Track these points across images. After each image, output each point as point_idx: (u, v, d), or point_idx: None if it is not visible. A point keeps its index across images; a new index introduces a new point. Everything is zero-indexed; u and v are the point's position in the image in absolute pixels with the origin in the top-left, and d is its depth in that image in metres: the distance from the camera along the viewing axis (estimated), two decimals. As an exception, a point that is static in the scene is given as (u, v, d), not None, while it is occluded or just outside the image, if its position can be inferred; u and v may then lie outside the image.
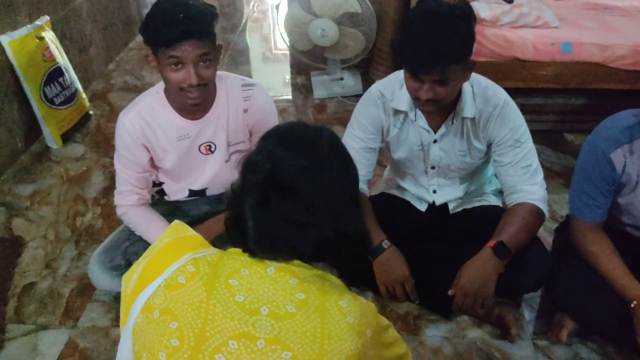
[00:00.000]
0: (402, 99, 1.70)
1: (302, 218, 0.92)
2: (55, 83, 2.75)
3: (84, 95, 3.01)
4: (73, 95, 2.88)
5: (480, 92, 1.67)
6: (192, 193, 1.95)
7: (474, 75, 1.65)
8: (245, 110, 1.80)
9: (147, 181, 1.84)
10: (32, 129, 2.75)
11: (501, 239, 1.60)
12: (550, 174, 2.45)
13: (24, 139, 2.71)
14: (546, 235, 2.00)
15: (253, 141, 1.88)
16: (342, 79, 3.30)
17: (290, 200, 0.92)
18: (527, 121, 1.71)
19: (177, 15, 1.49)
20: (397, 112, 1.73)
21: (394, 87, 1.73)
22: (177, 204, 2.00)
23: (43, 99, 2.69)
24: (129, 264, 1.78)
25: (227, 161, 1.87)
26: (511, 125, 1.67)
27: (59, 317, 1.83)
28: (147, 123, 1.73)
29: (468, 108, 1.66)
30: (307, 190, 0.92)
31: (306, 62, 3.24)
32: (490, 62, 2.47)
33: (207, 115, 1.75)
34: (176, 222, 1.12)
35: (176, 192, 1.96)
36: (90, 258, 1.80)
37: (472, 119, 1.68)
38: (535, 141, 1.73)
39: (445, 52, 1.44)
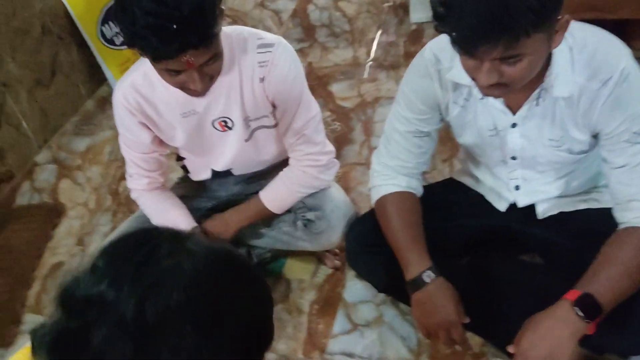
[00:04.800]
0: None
1: None
2: (114, 21, 2.51)
3: (152, 30, 2.75)
4: (138, 32, 2.62)
5: (584, 57, 1.09)
6: (216, 174, 1.63)
7: (575, 28, 1.07)
8: (262, 79, 1.39)
9: (157, 162, 1.55)
10: (97, 73, 2.57)
11: (589, 290, 1.08)
12: None
13: (87, 85, 2.55)
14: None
15: (277, 115, 1.49)
16: (449, -5, 2.65)
17: None
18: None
19: (168, 23, 1.07)
20: (457, 84, 1.22)
21: (453, 49, 1.20)
22: (204, 182, 1.70)
23: (101, 39, 2.46)
24: (134, 263, 1.54)
25: (247, 140, 1.50)
26: (630, 110, 1.08)
27: (76, 309, 1.68)
28: (145, 97, 1.41)
29: (562, 83, 1.09)
30: None
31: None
32: None
33: (215, 86, 1.36)
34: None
35: (199, 170, 1.65)
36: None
37: (569, 98, 1.12)
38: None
39: (509, 18, 0.90)
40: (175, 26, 1.08)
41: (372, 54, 2.48)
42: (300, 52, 2.59)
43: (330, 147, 1.52)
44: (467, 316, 1.26)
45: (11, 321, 1.65)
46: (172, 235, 0.60)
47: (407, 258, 1.26)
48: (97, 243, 1.85)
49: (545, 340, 1.09)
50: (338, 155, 1.98)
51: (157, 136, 1.49)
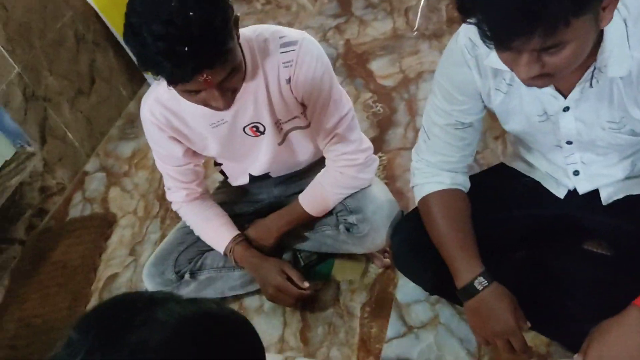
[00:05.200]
0: None
1: None
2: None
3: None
4: (171, 27, 2.58)
5: (641, 29, 0.95)
6: (255, 178, 1.58)
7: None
8: (288, 80, 1.31)
9: (194, 173, 1.51)
10: (136, 74, 2.56)
11: None
12: None
13: (128, 87, 2.54)
14: None
15: (308, 116, 1.41)
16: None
17: None
18: None
19: (179, 47, 1.02)
20: (498, 69, 1.09)
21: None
22: (244, 187, 1.65)
23: (136, 40, 2.44)
24: (180, 277, 1.53)
25: (281, 143, 1.44)
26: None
27: (132, 322, 1.69)
28: (172, 111, 1.37)
29: (617, 61, 0.95)
30: None
31: None
32: None
33: (241, 93, 1.30)
34: None
35: (236, 175, 1.61)
36: (143, 269, 1.59)
37: (627, 77, 0.98)
38: None
39: (543, 7, 0.78)
40: (186, 48, 1.02)
41: (418, 20, 2.32)
42: (337, 28, 2.47)
43: (367, 144, 1.43)
44: (528, 318, 1.17)
45: (72, 338, 1.69)
46: (146, 303, 0.58)
47: (456, 264, 1.17)
48: (148, 252, 1.86)
49: (615, 350, 0.98)
50: (381, 141, 1.89)
51: (190, 148, 1.45)
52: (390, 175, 1.77)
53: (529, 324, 1.16)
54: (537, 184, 1.31)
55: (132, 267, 1.85)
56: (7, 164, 2.10)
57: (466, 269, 1.16)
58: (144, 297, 0.59)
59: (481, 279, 1.14)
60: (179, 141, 1.43)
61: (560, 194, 1.27)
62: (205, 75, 1.08)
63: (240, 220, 1.59)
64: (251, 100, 1.34)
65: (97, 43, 2.38)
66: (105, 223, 2.01)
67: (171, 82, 1.10)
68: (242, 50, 1.25)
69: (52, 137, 2.17)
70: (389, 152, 1.84)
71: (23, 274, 1.94)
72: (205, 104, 1.19)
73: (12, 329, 1.77)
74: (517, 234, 1.33)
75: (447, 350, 1.34)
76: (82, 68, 2.32)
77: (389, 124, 1.94)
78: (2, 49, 1.96)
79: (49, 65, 2.15)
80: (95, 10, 2.33)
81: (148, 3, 1.04)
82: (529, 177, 1.33)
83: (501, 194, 1.33)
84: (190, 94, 1.15)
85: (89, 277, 1.85)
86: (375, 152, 1.86)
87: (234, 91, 1.20)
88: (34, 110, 2.09)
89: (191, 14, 1.02)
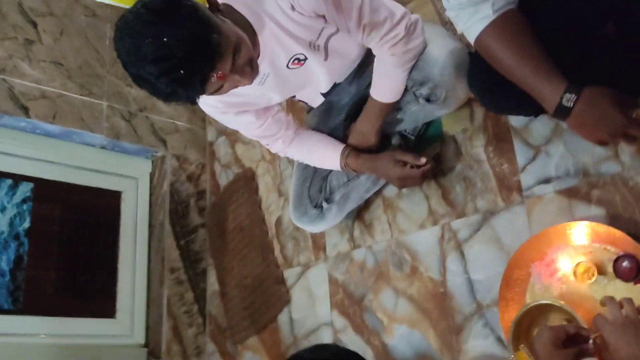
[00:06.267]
0: None
1: None
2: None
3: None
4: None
5: None
6: (327, 93, 1.60)
7: None
8: (292, 7, 1.29)
9: (277, 123, 1.61)
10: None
11: None
12: None
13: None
14: None
15: (330, 21, 1.35)
16: None
17: None
18: None
19: (176, 74, 1.06)
20: None
21: None
22: (325, 102, 1.68)
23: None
24: (321, 209, 1.67)
25: (326, 58, 1.43)
26: None
27: (312, 251, 1.90)
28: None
29: None
30: None
31: None
32: None
33: (262, 46, 1.33)
34: None
35: (311, 99, 1.67)
36: (290, 215, 1.75)
37: None
38: None
39: None
40: (182, 71, 1.06)
41: None
42: None
43: (399, 12, 1.34)
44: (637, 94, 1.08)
45: (277, 283, 1.97)
46: None
47: (537, 92, 1.10)
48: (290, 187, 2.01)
49: None
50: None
51: (258, 109, 1.52)
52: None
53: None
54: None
55: (286, 205, 2.03)
56: (152, 176, 2.38)
57: (548, 92, 1.08)
58: None
59: (568, 95, 1.06)
60: (245, 111, 1.50)
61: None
62: (214, 76, 1.11)
63: (339, 131, 1.65)
64: (275, 43, 1.34)
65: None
66: (248, 179, 2.21)
67: (193, 101, 1.15)
68: (239, 12, 1.24)
69: (167, 134, 2.37)
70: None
71: (218, 250, 2.26)
72: (236, 87, 1.23)
73: (236, 295, 2.12)
74: (597, 9, 1.18)
75: (581, 153, 1.31)
76: (149, 62, 2.43)
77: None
78: (82, 97, 2.16)
79: (124, 82, 2.30)
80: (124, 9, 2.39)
81: (129, 50, 1.08)
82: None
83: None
84: (217, 92, 1.20)
85: (263, 229, 2.09)
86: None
87: (251, 61, 1.21)
88: (140, 125, 2.29)
89: (165, 40, 1.05)
